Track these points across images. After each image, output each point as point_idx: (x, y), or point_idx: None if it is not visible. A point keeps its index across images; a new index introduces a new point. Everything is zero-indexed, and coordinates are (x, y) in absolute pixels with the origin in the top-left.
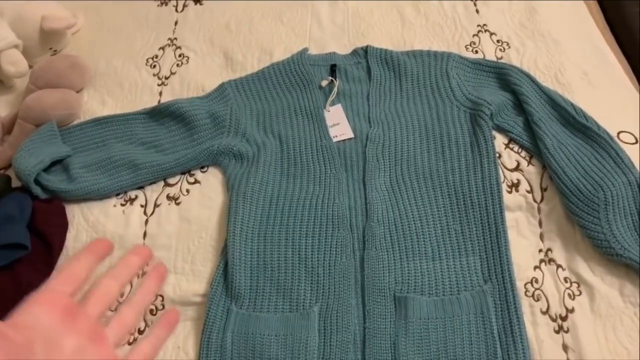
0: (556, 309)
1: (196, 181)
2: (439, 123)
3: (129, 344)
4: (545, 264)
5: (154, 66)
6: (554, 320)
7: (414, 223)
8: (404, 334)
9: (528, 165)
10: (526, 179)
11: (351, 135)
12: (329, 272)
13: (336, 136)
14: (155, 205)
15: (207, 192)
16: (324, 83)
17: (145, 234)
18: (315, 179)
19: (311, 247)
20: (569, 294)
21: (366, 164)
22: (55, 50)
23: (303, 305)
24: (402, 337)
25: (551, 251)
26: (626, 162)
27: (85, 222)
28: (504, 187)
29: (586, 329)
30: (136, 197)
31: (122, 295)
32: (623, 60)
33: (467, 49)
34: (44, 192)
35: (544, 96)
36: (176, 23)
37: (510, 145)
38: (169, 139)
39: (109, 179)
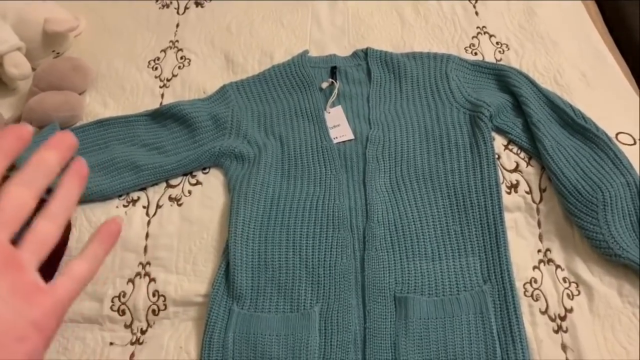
0: (555, 309)
1: (198, 182)
2: (439, 124)
3: (132, 344)
4: (544, 264)
5: (156, 68)
6: (553, 320)
7: (414, 224)
8: (404, 334)
9: (527, 166)
10: (525, 179)
11: (351, 136)
12: (330, 273)
13: (336, 137)
14: (157, 206)
15: (208, 193)
16: (325, 85)
17: (147, 235)
18: (316, 180)
19: (312, 248)
20: (567, 294)
21: (366, 165)
22: (57, 53)
23: (304, 306)
24: (402, 337)
25: (550, 251)
26: (625, 163)
27: (88, 223)
28: (503, 187)
29: (585, 329)
30: (138, 198)
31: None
32: (622, 62)
33: (466, 50)
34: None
35: (542, 98)
36: (177, 25)
37: (510, 147)
38: (170, 141)
39: (112, 181)
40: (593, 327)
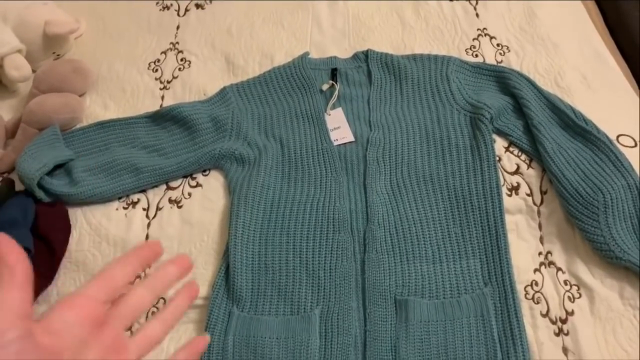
0: (556, 312)
1: (198, 184)
2: (439, 126)
3: None
4: (545, 267)
5: (156, 70)
6: (554, 322)
7: (415, 226)
8: (405, 337)
9: (528, 168)
10: (526, 182)
11: (352, 138)
12: (330, 275)
13: (337, 140)
14: (158, 209)
15: (208, 196)
16: (325, 87)
17: (147, 237)
18: (316, 183)
19: (312, 250)
20: (568, 297)
21: (367, 167)
22: (58, 55)
23: (304, 308)
24: (402, 340)
25: (551, 254)
26: (625, 166)
27: (88, 225)
28: (504, 190)
29: (586, 331)
30: (138, 200)
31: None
32: (623, 64)
33: (467, 52)
34: (47, 196)
35: (543, 100)
36: (178, 27)
37: (510, 149)
38: (171, 143)
39: (112, 183)
40: (594, 330)
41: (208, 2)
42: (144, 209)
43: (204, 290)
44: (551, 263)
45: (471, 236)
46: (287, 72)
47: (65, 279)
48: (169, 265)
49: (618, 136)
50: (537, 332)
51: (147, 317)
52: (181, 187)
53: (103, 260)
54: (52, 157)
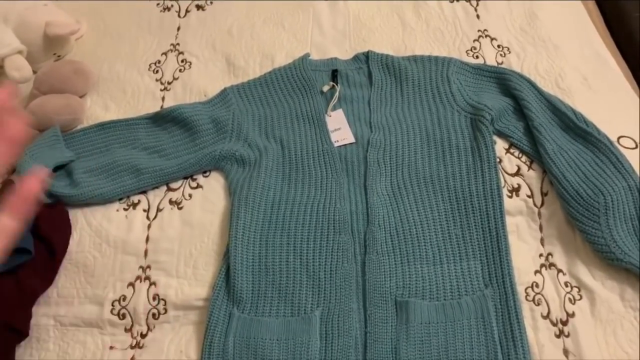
0: (557, 314)
1: (198, 186)
2: (440, 128)
3: (132, 348)
4: (546, 269)
5: (157, 71)
6: (554, 324)
7: (415, 228)
8: (405, 339)
9: (528, 170)
10: (527, 183)
11: (352, 140)
12: (331, 277)
13: (337, 141)
14: (158, 210)
15: (209, 197)
16: (326, 88)
17: (147, 239)
18: (317, 184)
19: (312, 252)
20: (569, 299)
21: (367, 168)
22: (59, 56)
23: (305, 310)
24: (403, 342)
25: (552, 256)
26: (626, 167)
27: (89, 226)
28: (505, 191)
29: (587, 333)
30: (139, 201)
31: None
32: (623, 65)
33: (467, 54)
34: (47, 197)
35: (544, 101)
36: (178, 28)
37: (511, 150)
38: (171, 144)
39: (112, 184)
40: (595, 332)
41: (209, 3)
42: (144, 210)
43: (204, 291)
44: (552, 265)
45: (472, 238)
46: (288, 74)
47: (65, 280)
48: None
49: (619, 138)
50: (537, 333)
51: (147, 318)
52: (182, 188)
53: (103, 262)
54: (52, 158)
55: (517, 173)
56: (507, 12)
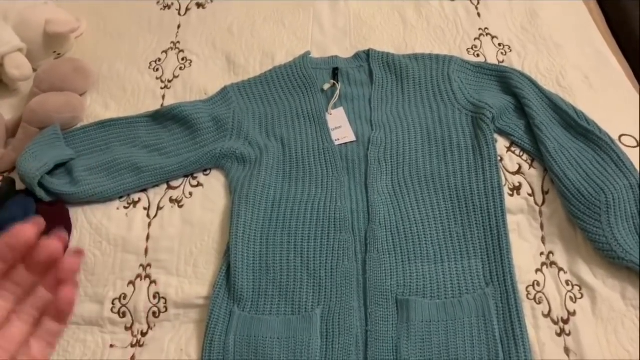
0: (558, 312)
1: (199, 184)
2: (441, 126)
3: (132, 346)
4: (547, 267)
5: (157, 70)
6: (555, 323)
7: (416, 226)
8: (406, 337)
9: (530, 168)
10: (528, 182)
11: (353, 138)
12: (331, 275)
13: (338, 139)
14: (158, 208)
15: (209, 195)
16: (326, 86)
17: (148, 237)
18: (318, 182)
19: (313, 250)
20: (570, 297)
21: (368, 167)
22: (59, 54)
23: (305, 308)
24: (404, 340)
25: (553, 254)
26: (628, 165)
27: (89, 225)
28: (506, 190)
29: (588, 332)
30: (139, 200)
31: None
32: (625, 64)
33: (468, 52)
34: (47, 195)
35: (545, 99)
36: (179, 27)
37: (512, 149)
38: (172, 142)
39: (113, 182)
40: (596, 330)
41: (209, 1)
42: (144, 209)
43: (205, 290)
44: (553, 263)
45: (473, 236)
46: (288, 72)
47: None
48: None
49: (620, 136)
50: (538, 332)
51: (147, 317)
52: (182, 186)
53: (104, 260)
54: (52, 157)
55: (518, 171)
56: (508, 10)
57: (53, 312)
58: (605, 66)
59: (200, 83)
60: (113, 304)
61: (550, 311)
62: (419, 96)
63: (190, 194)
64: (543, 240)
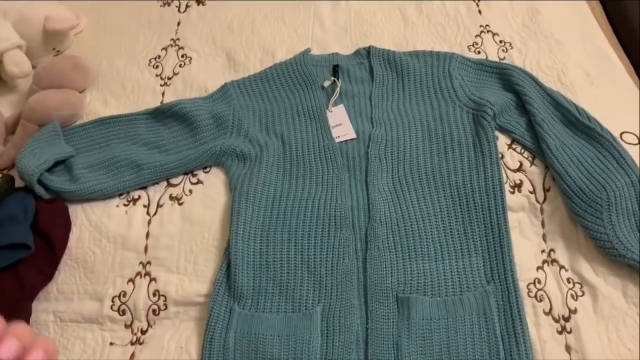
0: (559, 310)
1: (199, 181)
2: (442, 123)
3: (132, 344)
4: (548, 265)
5: (157, 67)
6: (556, 321)
7: (417, 223)
8: (407, 335)
9: (531, 165)
10: (529, 179)
11: (354, 135)
12: (332, 273)
13: (339, 137)
14: (158, 206)
15: (209, 193)
16: (327, 84)
17: (147, 235)
18: (318, 180)
19: (314, 248)
20: (571, 295)
21: (369, 164)
22: (58, 51)
23: (306, 306)
24: (404, 338)
25: (554, 252)
26: (629, 163)
27: (88, 222)
28: (507, 187)
29: (589, 329)
30: (139, 197)
31: None
32: (626, 61)
33: (469, 49)
34: (47, 193)
35: (546, 97)
36: (179, 24)
37: (513, 146)
38: (171, 140)
39: (112, 179)
40: (597, 328)
41: None
42: (144, 206)
43: (205, 287)
44: (554, 261)
45: (473, 234)
46: (289, 69)
47: (65, 275)
48: None
49: (621, 133)
50: (539, 330)
51: (147, 314)
52: (182, 184)
53: (103, 257)
54: (52, 154)
55: (519, 169)
56: (509, 7)
57: None
58: (607, 63)
59: (200, 80)
60: (113, 301)
61: (551, 309)
62: (420, 93)
63: (190, 191)
64: (544, 237)
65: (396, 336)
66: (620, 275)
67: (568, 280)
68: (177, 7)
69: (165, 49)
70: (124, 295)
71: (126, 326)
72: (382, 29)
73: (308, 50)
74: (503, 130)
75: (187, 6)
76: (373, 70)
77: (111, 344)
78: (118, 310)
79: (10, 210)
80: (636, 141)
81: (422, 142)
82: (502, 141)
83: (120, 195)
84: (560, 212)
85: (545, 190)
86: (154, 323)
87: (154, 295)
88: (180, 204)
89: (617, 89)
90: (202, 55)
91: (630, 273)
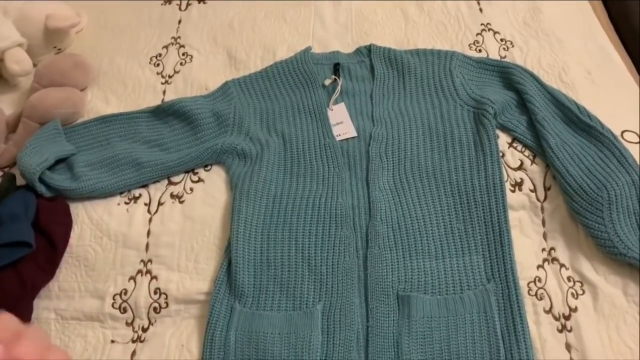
0: (559, 308)
1: (200, 180)
2: (443, 122)
3: (133, 342)
4: (549, 263)
5: (158, 65)
6: (557, 319)
7: (417, 222)
8: (407, 333)
9: (531, 164)
10: (530, 178)
11: (354, 134)
12: (332, 271)
13: (339, 135)
14: (159, 204)
15: (210, 191)
16: (328, 82)
17: (148, 233)
18: (319, 178)
19: (314, 246)
20: (572, 293)
21: (369, 162)
22: (59, 49)
23: (306, 304)
24: (405, 336)
25: (554, 250)
26: (630, 162)
27: (90, 220)
28: (508, 186)
29: (589, 328)
30: (140, 195)
31: None
32: (627, 60)
33: (470, 47)
34: (48, 191)
35: (547, 95)
36: (180, 22)
37: (514, 144)
38: (172, 138)
39: (113, 178)
40: (598, 327)
41: None
42: (145, 204)
43: (206, 285)
44: (554, 259)
45: (474, 232)
46: (290, 67)
47: (66, 273)
48: None
49: (622, 132)
50: (540, 328)
51: (148, 312)
52: (183, 182)
53: (104, 255)
54: (53, 152)
55: (520, 167)
56: (511, 5)
57: None
58: (608, 62)
59: (201, 78)
60: (114, 299)
61: (551, 307)
62: (421, 92)
63: (191, 189)
64: (544, 236)
65: (396, 334)
66: (621, 273)
67: (568, 278)
68: (178, 5)
69: (166, 47)
70: (125, 293)
71: (127, 324)
72: (383, 27)
73: (309, 48)
74: (504, 128)
75: (188, 4)
76: (374, 69)
77: (112, 341)
78: (119, 308)
79: (11, 208)
80: (637, 140)
81: (423, 140)
82: (503, 139)
83: (121, 193)
84: (561, 211)
85: (546, 188)
86: (155, 321)
87: (155, 293)
88: (181, 202)
89: (618, 88)
90: (203, 54)
91: (630, 272)
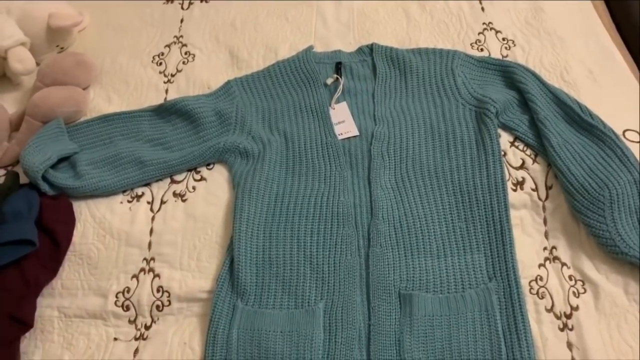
0: (561, 307)
1: (202, 178)
2: (444, 121)
3: (136, 339)
4: (550, 262)
5: (160, 64)
6: (558, 318)
7: (419, 221)
8: (409, 331)
9: (533, 163)
10: (531, 177)
11: (356, 132)
12: (334, 269)
13: (341, 134)
14: (162, 202)
15: (213, 189)
16: (330, 81)
17: (151, 231)
18: (321, 177)
19: (316, 245)
20: (573, 292)
21: (371, 161)
22: (62, 48)
23: (308, 302)
24: (406, 334)
25: (556, 249)
26: (632, 161)
27: (92, 218)
28: (509, 185)
29: (591, 327)
30: (142, 193)
31: None
32: (629, 59)
33: (472, 46)
34: (51, 189)
35: (549, 94)
36: (182, 21)
37: (516, 144)
38: (175, 136)
39: (116, 176)
40: (599, 325)
41: None
42: (148, 203)
43: (208, 283)
44: (556, 258)
45: (476, 231)
46: (292, 66)
47: (69, 271)
48: None
49: (624, 131)
50: (541, 327)
51: (151, 310)
52: (185, 180)
53: (107, 254)
54: (56, 150)
55: (522, 166)
56: (512, 5)
57: None
58: (610, 61)
59: (203, 77)
60: (117, 297)
61: (553, 306)
62: (423, 91)
63: (194, 188)
64: (546, 235)
65: (398, 333)
66: (622, 272)
67: (570, 277)
68: (180, 4)
69: (168, 46)
70: (128, 291)
71: (130, 322)
72: (385, 26)
73: (311, 47)
74: (505, 127)
75: (190, 3)
76: (376, 68)
77: (115, 339)
78: (122, 306)
79: (14, 207)
80: (638, 139)
81: (425, 139)
82: (505, 138)
83: (124, 191)
84: (562, 210)
85: (548, 187)
86: (158, 319)
87: (158, 291)
88: (183, 201)
89: (620, 87)
90: (205, 53)
91: (632, 270)
